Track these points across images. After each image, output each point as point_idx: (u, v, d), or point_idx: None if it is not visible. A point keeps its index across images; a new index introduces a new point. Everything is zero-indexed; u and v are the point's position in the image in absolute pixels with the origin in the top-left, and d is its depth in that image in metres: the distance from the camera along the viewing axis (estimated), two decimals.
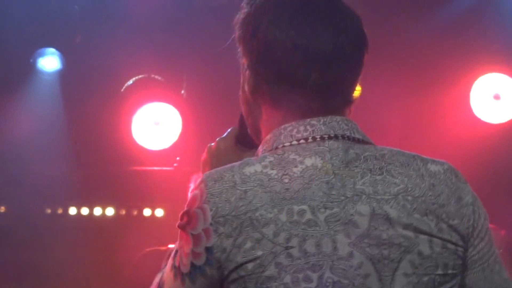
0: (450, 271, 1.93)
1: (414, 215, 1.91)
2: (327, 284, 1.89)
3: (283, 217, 1.87)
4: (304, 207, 1.89)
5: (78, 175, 5.55)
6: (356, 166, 1.93)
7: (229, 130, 2.27)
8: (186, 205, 1.97)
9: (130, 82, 5.46)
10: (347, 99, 1.96)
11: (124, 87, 5.51)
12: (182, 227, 1.94)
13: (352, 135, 1.95)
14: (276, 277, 1.89)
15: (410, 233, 1.91)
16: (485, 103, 5.63)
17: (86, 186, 5.70)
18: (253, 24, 1.98)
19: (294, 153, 1.90)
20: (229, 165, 1.97)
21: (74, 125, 5.73)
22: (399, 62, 5.72)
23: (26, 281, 5.82)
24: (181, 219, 1.96)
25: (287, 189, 1.88)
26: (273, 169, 1.88)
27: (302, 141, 1.93)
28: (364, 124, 2.01)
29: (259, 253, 1.88)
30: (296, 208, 1.89)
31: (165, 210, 5.71)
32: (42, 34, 5.66)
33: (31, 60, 5.71)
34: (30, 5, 5.53)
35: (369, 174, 1.93)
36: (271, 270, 1.89)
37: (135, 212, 5.79)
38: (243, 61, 2.02)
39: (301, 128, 1.93)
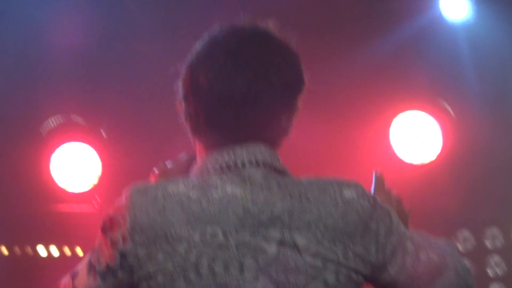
0: None
1: (324, 243, 1.98)
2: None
3: (196, 236, 1.96)
4: (217, 229, 1.98)
5: None
6: (275, 193, 2.00)
7: (181, 155, 2.36)
8: (111, 210, 2.06)
9: (49, 122, 5.34)
10: (268, 138, 2.05)
11: (43, 128, 5.43)
12: (103, 230, 2.04)
13: (274, 164, 2.04)
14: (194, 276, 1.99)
15: (318, 262, 1.98)
16: (406, 142, 5.64)
17: (6, 225, 5.62)
18: (189, 67, 2.10)
19: (218, 178, 2.00)
20: (156, 182, 2.15)
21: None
22: (318, 96, 5.64)
23: None
24: (104, 222, 2.06)
25: (203, 211, 1.97)
26: (194, 191, 1.98)
27: (224, 166, 2.03)
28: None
29: (170, 266, 1.98)
30: (209, 230, 1.98)
31: (84, 250, 5.64)
32: None
33: None
34: None
35: (288, 199, 2.00)
36: (180, 284, 2.00)
37: (55, 253, 5.71)
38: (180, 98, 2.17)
39: (224, 153, 2.03)
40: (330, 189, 2.03)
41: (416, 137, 5.54)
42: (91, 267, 2.11)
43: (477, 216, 5.81)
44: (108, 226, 2.06)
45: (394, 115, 5.54)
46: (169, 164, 2.36)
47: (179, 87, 2.12)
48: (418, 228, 5.20)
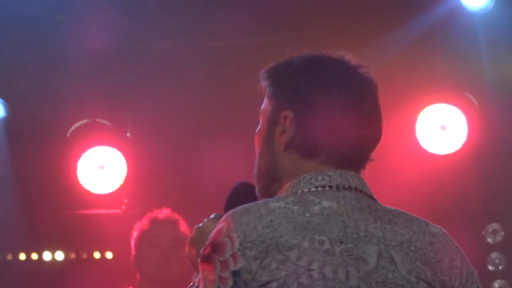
0: None
1: (416, 263, 2.10)
2: None
3: (305, 244, 2.06)
4: (324, 238, 2.08)
5: (26, 221, 5.49)
6: (368, 213, 2.12)
7: (214, 214, 2.44)
8: (210, 239, 2.15)
9: (75, 126, 5.46)
10: (367, 160, 2.25)
11: (69, 132, 5.53)
12: (207, 258, 2.12)
13: (364, 189, 2.16)
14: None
15: (412, 278, 2.09)
16: (431, 134, 5.65)
17: (35, 231, 5.68)
18: (314, 84, 2.23)
19: (313, 196, 2.11)
20: (251, 203, 2.19)
21: (20, 171, 5.71)
22: None
23: None
24: (204, 250, 2.13)
25: (308, 221, 2.08)
26: (295, 206, 2.09)
27: (319, 188, 2.14)
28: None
29: (283, 273, 2.06)
30: (317, 237, 2.09)
31: (114, 253, 5.72)
32: None
33: None
34: None
35: (379, 222, 2.12)
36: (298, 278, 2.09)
37: (84, 256, 5.81)
38: (284, 114, 2.22)
39: (319, 177, 2.15)
40: (416, 222, 2.16)
41: (441, 129, 5.54)
42: None
43: (505, 208, 5.78)
44: (212, 251, 2.14)
45: (420, 109, 5.57)
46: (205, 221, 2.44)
47: (294, 100, 2.25)
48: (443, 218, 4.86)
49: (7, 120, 5.80)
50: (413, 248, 2.16)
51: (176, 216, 4.84)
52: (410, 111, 5.62)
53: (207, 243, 2.18)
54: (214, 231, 2.19)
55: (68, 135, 5.48)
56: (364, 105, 2.29)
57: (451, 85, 5.63)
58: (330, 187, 2.19)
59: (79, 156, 5.41)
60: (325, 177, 2.20)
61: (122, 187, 5.43)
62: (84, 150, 5.47)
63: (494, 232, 5.93)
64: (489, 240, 5.91)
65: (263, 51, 5.34)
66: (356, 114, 2.25)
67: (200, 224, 2.45)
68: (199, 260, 2.19)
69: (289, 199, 2.17)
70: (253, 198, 2.48)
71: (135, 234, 4.48)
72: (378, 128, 2.30)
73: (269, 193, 2.39)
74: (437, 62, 5.60)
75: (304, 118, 2.25)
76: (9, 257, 5.84)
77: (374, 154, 5.79)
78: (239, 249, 2.11)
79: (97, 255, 5.65)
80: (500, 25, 5.44)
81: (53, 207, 5.55)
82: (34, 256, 5.76)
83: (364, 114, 2.26)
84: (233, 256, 2.11)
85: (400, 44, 5.57)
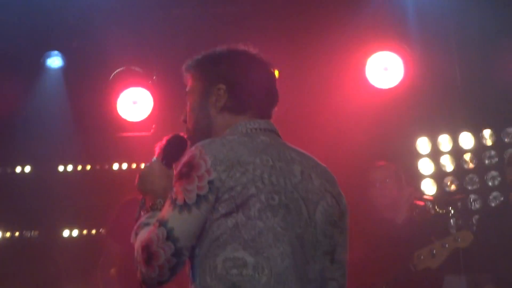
0: (337, 220, 2.86)
1: (322, 180, 2.83)
2: (282, 202, 2.71)
3: (257, 161, 2.71)
4: (268, 157, 2.74)
5: (79, 141, 6.50)
6: (287, 146, 2.83)
7: (153, 159, 3.04)
8: (184, 162, 2.70)
9: (115, 72, 6.39)
10: (271, 114, 2.93)
11: (111, 76, 6.45)
12: (185, 174, 2.69)
13: (277, 132, 2.89)
14: (255, 194, 2.69)
15: (322, 189, 2.82)
16: (377, 73, 6.47)
17: (87, 149, 6.75)
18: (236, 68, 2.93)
19: (252, 133, 2.82)
20: (209, 140, 2.75)
21: (75, 106, 6.69)
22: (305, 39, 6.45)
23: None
24: (182, 169, 2.69)
25: (256, 147, 2.73)
26: (244, 138, 2.78)
27: (253, 129, 2.84)
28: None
29: (244, 179, 2.67)
30: (264, 157, 2.73)
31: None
32: (48, 40, 6.62)
33: (41, 60, 6.71)
34: (39, 20, 6.28)
35: (295, 152, 2.81)
36: (252, 190, 2.69)
37: (124, 167, 6.95)
38: (218, 87, 2.87)
39: (251, 123, 2.86)
40: (312, 158, 2.90)
41: (384, 70, 6.45)
42: (182, 205, 2.69)
43: (432, 125, 6.91)
44: (190, 170, 2.70)
45: (369, 54, 6.41)
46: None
47: (228, 83, 2.89)
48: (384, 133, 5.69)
49: (64, 69, 6.71)
50: (319, 170, 2.90)
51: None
52: (361, 56, 6.46)
53: (183, 164, 2.73)
54: (187, 156, 2.76)
55: (110, 78, 6.41)
56: (269, 77, 3.02)
57: (392, 36, 6.51)
58: (260, 129, 2.87)
59: (118, 95, 6.31)
60: (255, 123, 2.88)
61: (150, 116, 6.29)
62: (122, 90, 6.31)
63: (421, 142, 7.05)
64: (418, 149, 7.04)
65: (261, 17, 6.37)
66: (265, 83, 3.00)
67: (148, 164, 3.04)
68: (176, 177, 2.73)
69: (237, 135, 2.83)
70: (184, 147, 3.07)
71: (156, 150, 5.16)
72: (276, 91, 3.02)
73: None
74: (380, 19, 6.45)
75: (235, 88, 2.92)
76: (69, 168, 7.01)
77: (329, 91, 6.70)
78: (211, 166, 2.68)
79: (133, 166, 6.73)
80: None
81: (99, 131, 6.50)
82: (88, 167, 6.96)
83: (270, 83, 3.01)
84: (207, 171, 2.67)
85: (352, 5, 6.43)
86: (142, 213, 2.99)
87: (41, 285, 6.69)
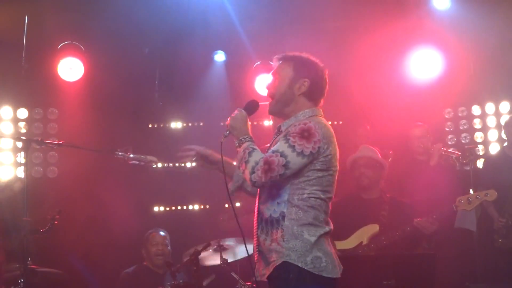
0: None
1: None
2: (337, 167, 4.06)
3: (335, 141, 4.03)
4: (334, 135, 4.07)
5: None
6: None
7: (240, 109, 4.11)
8: (304, 128, 3.87)
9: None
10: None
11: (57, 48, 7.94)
12: (307, 136, 3.85)
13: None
14: (333, 163, 4.05)
15: None
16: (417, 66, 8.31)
17: None
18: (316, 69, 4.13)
19: (323, 120, 4.05)
20: (316, 119, 3.96)
21: (234, 87, 8.51)
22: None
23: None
24: (303, 132, 3.86)
25: (331, 129, 4.03)
26: (327, 122, 4.08)
27: (322, 114, 4.13)
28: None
29: (332, 152, 4.01)
30: (334, 135, 4.06)
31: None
32: (215, 42, 8.55)
33: (211, 57, 8.72)
34: (208, 25, 8.04)
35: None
36: (333, 159, 4.02)
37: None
38: (304, 80, 4.09)
39: (319, 111, 4.12)
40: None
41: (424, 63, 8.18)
42: (300, 152, 3.81)
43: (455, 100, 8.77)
44: (309, 135, 3.83)
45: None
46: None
47: (310, 76, 4.03)
48: None
49: (226, 62, 8.54)
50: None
51: None
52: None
53: (300, 130, 3.84)
54: (306, 126, 3.85)
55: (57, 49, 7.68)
56: (326, 80, 4.16)
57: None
58: (322, 116, 4.09)
59: (59, 60, 7.74)
60: (320, 111, 4.12)
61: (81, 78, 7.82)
62: (62, 58, 7.93)
63: (447, 111, 8.93)
64: (445, 115, 8.79)
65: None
66: (325, 84, 4.15)
67: (237, 111, 4.08)
68: (298, 134, 3.84)
69: (322, 118, 4.03)
70: (257, 107, 4.19)
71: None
72: (326, 89, 4.13)
73: (281, 110, 4.18)
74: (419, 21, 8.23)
75: (313, 85, 4.05)
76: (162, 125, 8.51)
77: None
78: (321, 137, 3.88)
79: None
80: None
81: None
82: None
83: (326, 84, 4.15)
84: (319, 140, 3.89)
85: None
86: (222, 139, 4.15)
87: None
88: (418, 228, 6.44)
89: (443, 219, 6.47)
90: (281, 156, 3.80)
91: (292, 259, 3.86)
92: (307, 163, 3.89)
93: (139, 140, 7.83)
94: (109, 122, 8.57)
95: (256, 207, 4.14)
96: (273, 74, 4.19)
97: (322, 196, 3.99)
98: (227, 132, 4.07)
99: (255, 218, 4.10)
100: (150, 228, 7.75)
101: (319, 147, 3.89)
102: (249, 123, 4.12)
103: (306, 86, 4.08)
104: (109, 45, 8.35)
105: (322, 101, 4.21)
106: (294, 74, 4.10)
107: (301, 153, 3.82)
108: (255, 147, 3.97)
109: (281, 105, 4.12)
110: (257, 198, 4.15)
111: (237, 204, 7.25)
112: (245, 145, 3.95)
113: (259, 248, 4.04)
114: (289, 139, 3.88)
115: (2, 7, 7.94)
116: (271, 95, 4.15)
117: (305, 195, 3.93)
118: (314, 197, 3.96)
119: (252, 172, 3.81)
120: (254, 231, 4.09)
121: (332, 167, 4.01)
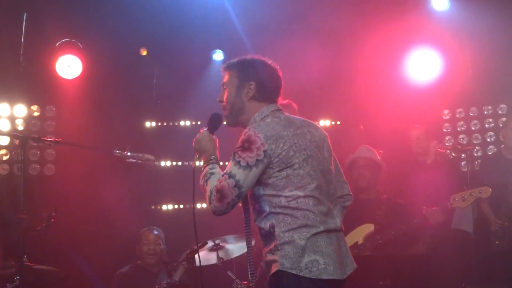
0: (331, 152, 3.99)
1: (318, 131, 3.90)
2: (308, 155, 3.74)
3: (289, 133, 3.73)
4: (291, 129, 3.77)
5: None
6: (292, 117, 3.88)
7: (205, 129, 3.99)
8: (244, 139, 3.65)
9: (59, 43, 7.82)
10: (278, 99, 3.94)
11: (58, 45, 7.88)
12: (246, 148, 3.62)
13: (281, 109, 3.90)
14: (294, 155, 3.75)
15: (321, 136, 3.91)
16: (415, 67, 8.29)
17: None
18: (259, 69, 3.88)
19: (276, 113, 3.84)
20: (256, 123, 3.74)
21: None
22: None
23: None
24: (243, 144, 3.65)
25: (283, 124, 3.76)
26: (274, 118, 3.80)
27: (274, 111, 3.87)
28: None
29: (286, 146, 3.70)
30: (290, 129, 3.76)
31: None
32: (214, 41, 8.47)
33: (210, 56, 8.65)
34: (207, 25, 7.95)
35: (298, 119, 3.83)
36: (291, 153, 3.73)
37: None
38: (250, 83, 3.90)
39: (271, 107, 3.90)
40: (307, 121, 3.82)
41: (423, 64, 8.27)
42: (246, 166, 3.61)
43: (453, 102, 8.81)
44: (251, 143, 3.62)
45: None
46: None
47: (256, 78, 3.84)
48: None
49: (224, 61, 7.35)
50: (313, 126, 3.86)
51: None
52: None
53: (241, 142, 3.63)
54: (245, 136, 3.63)
55: (57, 46, 7.75)
56: (278, 77, 3.99)
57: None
58: (276, 110, 3.89)
59: (59, 57, 7.73)
60: (272, 107, 3.91)
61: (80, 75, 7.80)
62: (61, 55, 7.86)
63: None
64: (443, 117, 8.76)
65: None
66: (277, 82, 3.96)
67: (200, 133, 3.95)
68: (239, 148, 3.63)
69: (270, 117, 3.79)
70: (220, 120, 4.04)
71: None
72: (281, 85, 3.95)
73: (236, 120, 4.00)
74: (420, 21, 8.05)
75: (260, 86, 3.87)
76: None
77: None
78: (264, 140, 3.62)
79: None
80: None
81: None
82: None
83: (279, 81, 3.98)
84: (262, 144, 3.61)
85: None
86: (194, 164, 4.03)
87: None
88: (427, 216, 6.50)
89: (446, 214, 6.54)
90: (229, 178, 3.66)
91: (285, 267, 3.75)
92: (260, 172, 3.73)
93: (136, 139, 7.98)
94: (106, 120, 8.56)
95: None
96: (222, 85, 4.11)
97: (301, 194, 3.77)
98: (197, 155, 4.02)
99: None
100: (146, 226, 7.70)
101: (265, 151, 3.70)
102: (214, 137, 4.05)
103: (253, 89, 3.94)
104: (107, 43, 8.34)
105: (278, 98, 4.08)
106: (239, 81, 3.99)
107: (247, 166, 3.66)
108: (215, 170, 3.87)
109: (234, 115, 4.01)
110: None
111: None
112: (206, 169, 3.87)
113: (264, 261, 3.96)
114: (234, 155, 3.77)
115: (0, 4, 7.92)
116: (224, 108, 4.07)
117: (283, 201, 3.77)
118: (293, 199, 3.77)
119: (210, 202, 3.74)
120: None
121: (293, 161, 3.77)
